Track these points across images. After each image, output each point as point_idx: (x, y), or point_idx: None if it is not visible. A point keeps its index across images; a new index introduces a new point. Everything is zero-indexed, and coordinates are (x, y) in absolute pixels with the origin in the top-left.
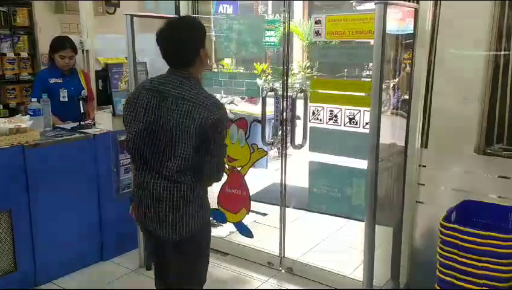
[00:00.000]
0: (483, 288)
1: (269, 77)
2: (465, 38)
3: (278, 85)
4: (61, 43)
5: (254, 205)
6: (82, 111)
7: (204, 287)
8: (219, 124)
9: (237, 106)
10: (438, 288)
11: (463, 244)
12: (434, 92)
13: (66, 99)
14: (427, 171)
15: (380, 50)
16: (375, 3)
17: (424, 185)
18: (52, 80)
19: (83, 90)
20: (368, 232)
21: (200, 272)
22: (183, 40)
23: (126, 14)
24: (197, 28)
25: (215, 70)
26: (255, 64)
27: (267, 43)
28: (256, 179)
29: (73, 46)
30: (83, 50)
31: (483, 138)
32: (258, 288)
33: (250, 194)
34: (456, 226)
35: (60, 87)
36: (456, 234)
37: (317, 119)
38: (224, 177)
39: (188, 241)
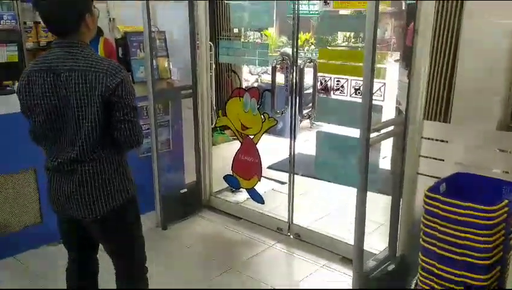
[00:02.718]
0: (464, 258)
1: (312, 46)
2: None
3: None
4: None
5: (275, 174)
6: None
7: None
8: (122, 87)
9: (269, 74)
10: (422, 257)
11: (444, 214)
12: (459, 64)
13: None
14: (433, 144)
15: (373, 17)
16: None
17: (427, 157)
18: None
19: None
20: (359, 202)
21: (136, 240)
22: (63, 5)
23: None
24: None
25: (245, 40)
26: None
27: (310, 12)
28: (283, 148)
29: None
30: (110, 18)
31: (509, 111)
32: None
33: (274, 163)
34: (438, 196)
35: None
36: (439, 204)
37: (324, 89)
38: (238, 144)
39: (112, 217)
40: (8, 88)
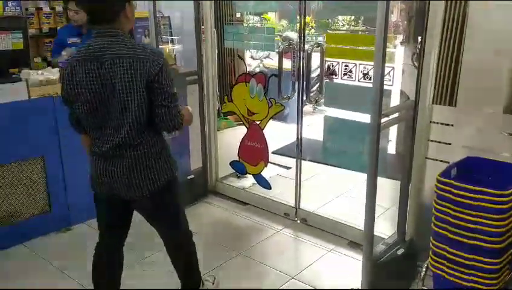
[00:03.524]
0: (476, 242)
1: (312, 30)
2: None
3: (321, 39)
4: None
5: (279, 159)
6: None
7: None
8: (162, 73)
9: (272, 60)
10: (433, 241)
11: (456, 199)
12: (465, 46)
13: None
14: (440, 128)
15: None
16: None
17: (435, 141)
18: (70, 40)
19: None
20: (369, 187)
21: (181, 211)
22: None
23: None
24: None
25: (246, 24)
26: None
27: None
28: (286, 133)
29: (80, 0)
30: None
31: None
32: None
33: (278, 148)
34: (450, 181)
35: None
36: (451, 189)
37: (332, 74)
38: (244, 130)
39: (159, 194)
40: (14, 76)
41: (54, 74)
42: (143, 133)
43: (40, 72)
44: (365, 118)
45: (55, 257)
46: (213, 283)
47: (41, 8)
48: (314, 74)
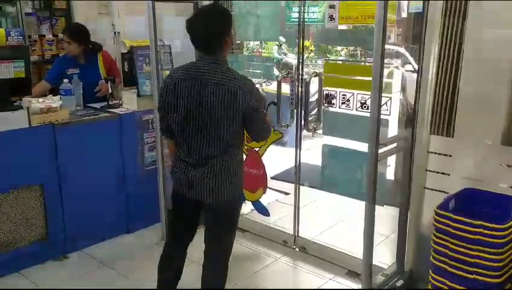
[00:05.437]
0: (475, 276)
1: (312, 54)
2: (496, 17)
3: (320, 62)
4: (64, 28)
5: (278, 184)
6: (110, 91)
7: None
8: (259, 105)
9: (270, 84)
10: (432, 274)
11: (455, 232)
12: (461, 77)
13: (81, 92)
14: (438, 158)
15: (381, 31)
16: None
17: (433, 171)
18: (70, 71)
19: (101, 81)
20: (368, 219)
21: (235, 229)
22: (213, 30)
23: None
24: (225, 15)
25: (246, 49)
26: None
27: (309, 20)
28: (285, 158)
29: (72, 33)
30: (114, 32)
31: None
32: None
33: (277, 173)
34: (448, 213)
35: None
36: (449, 222)
37: (330, 103)
38: (243, 157)
39: (229, 204)
40: (15, 104)
41: (55, 101)
42: (230, 147)
43: (41, 99)
44: (364, 146)
45: (52, 285)
46: None
47: (44, 35)
48: (312, 98)
